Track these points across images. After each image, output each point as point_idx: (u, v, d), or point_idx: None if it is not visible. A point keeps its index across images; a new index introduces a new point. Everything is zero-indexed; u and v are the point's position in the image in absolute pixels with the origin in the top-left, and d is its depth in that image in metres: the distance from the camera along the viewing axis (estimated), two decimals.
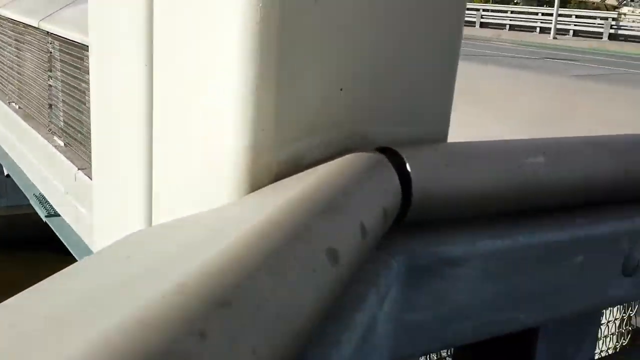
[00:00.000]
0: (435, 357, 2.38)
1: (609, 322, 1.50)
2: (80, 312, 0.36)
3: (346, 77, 0.76)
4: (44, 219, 6.43)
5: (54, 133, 6.21)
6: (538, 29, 34.67)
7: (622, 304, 1.48)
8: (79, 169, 5.27)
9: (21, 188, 7.54)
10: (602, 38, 32.32)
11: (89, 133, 1.27)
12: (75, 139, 5.62)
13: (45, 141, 6.16)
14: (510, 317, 0.82)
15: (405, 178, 0.73)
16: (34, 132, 6.58)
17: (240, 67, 0.68)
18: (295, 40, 0.71)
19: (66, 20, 5.96)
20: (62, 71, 5.89)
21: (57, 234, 6.17)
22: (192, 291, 0.38)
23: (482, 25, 37.35)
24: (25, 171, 6.97)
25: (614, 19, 33.35)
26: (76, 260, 0.85)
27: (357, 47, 0.76)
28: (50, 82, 6.21)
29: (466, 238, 0.77)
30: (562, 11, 34.12)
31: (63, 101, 5.94)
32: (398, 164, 0.74)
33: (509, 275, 0.80)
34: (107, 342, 0.31)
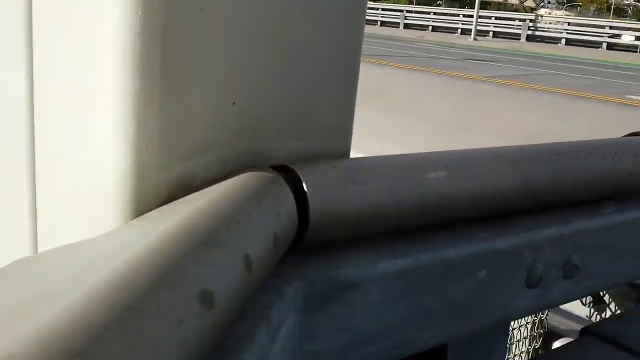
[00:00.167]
0: None
1: (521, 326, 1.51)
2: None
3: (239, 90, 0.72)
4: None
5: None
6: (459, 30, 35.61)
7: (527, 316, 1.50)
8: None
9: None
10: (520, 39, 33.48)
11: None
12: None
13: None
14: (415, 337, 0.80)
15: (301, 198, 0.69)
16: None
17: (118, 81, 0.63)
18: (180, 52, 0.66)
19: None
20: None
21: None
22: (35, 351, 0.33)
23: (406, 26, 38.05)
24: None
25: (531, 20, 34.63)
26: None
27: (251, 58, 0.72)
28: None
29: (367, 259, 0.74)
30: (483, 13, 35.16)
31: None
32: (294, 182, 0.70)
33: (412, 294, 0.78)
34: None
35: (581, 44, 31.85)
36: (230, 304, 0.48)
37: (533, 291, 0.94)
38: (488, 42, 31.89)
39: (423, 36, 33.65)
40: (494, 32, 34.86)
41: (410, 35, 34.07)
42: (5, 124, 0.80)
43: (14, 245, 0.81)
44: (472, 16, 33.23)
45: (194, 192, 0.68)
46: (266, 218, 0.60)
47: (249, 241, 0.54)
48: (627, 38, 31.49)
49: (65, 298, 0.39)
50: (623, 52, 30.06)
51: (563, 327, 1.57)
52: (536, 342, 1.57)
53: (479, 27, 33.08)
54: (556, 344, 1.59)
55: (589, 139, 1.39)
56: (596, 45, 31.63)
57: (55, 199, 0.76)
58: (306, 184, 0.70)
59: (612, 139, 1.15)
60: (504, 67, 20.98)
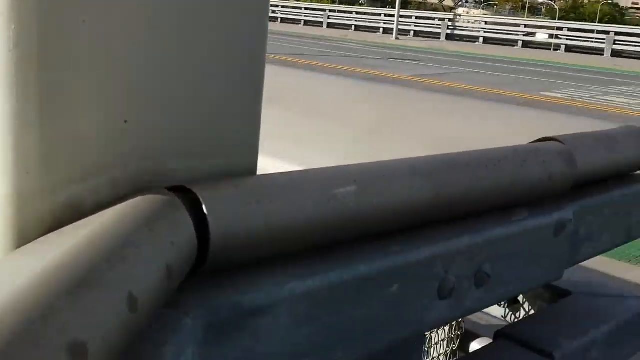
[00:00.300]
0: None
1: (438, 328, 1.52)
2: None
3: (131, 107, 0.67)
4: None
5: None
6: (381, 30, 36.15)
7: (440, 327, 1.51)
8: None
9: None
10: (440, 38, 34.31)
11: None
12: None
13: None
14: (326, 358, 0.78)
15: (201, 221, 0.65)
16: None
17: None
18: (62, 68, 0.61)
19: None
20: None
21: None
22: None
23: (329, 25, 38.32)
24: None
25: (450, 20, 35.54)
26: None
27: (143, 72, 0.67)
28: None
29: (274, 281, 0.71)
30: (404, 12, 35.83)
31: None
32: (193, 204, 0.66)
33: (322, 315, 0.75)
34: None
35: (498, 42, 32.94)
36: (110, 353, 0.43)
37: (445, 302, 0.93)
38: (410, 41, 32.53)
39: (346, 35, 33.97)
40: (415, 31, 35.58)
41: (334, 34, 34.34)
42: None
43: None
44: (393, 16, 33.78)
45: (83, 218, 0.63)
46: (157, 248, 0.56)
47: (134, 277, 0.50)
48: (541, 36, 32.80)
49: None
50: (537, 49, 31.29)
51: (480, 327, 1.59)
52: (454, 343, 1.58)
53: (400, 27, 33.68)
54: (473, 345, 1.61)
55: (505, 138, 1.42)
56: (512, 43, 32.79)
57: None
58: (206, 205, 0.66)
59: (522, 145, 1.16)
60: (427, 66, 21.44)
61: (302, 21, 39.56)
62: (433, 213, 0.93)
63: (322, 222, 0.77)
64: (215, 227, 0.65)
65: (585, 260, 1.32)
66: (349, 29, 37.20)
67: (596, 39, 30.39)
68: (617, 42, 29.71)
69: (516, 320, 1.59)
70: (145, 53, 0.67)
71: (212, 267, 0.67)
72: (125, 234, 0.54)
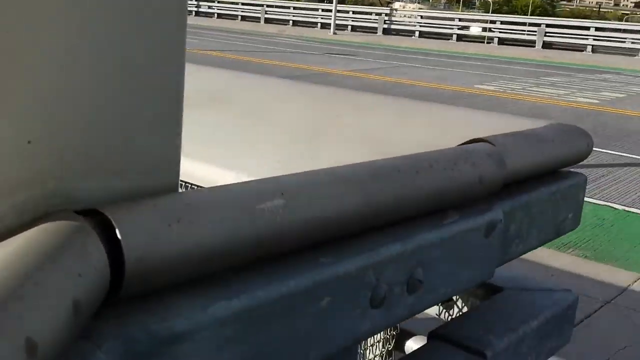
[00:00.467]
0: None
1: None
2: None
3: (35, 126, 0.63)
4: None
5: None
6: (319, 25, 36.19)
7: (375, 339, 1.52)
8: None
9: None
10: (377, 33, 34.59)
11: None
12: None
13: None
14: None
15: (114, 246, 0.62)
16: None
17: None
18: None
19: None
20: None
21: None
22: None
23: (267, 21, 38.13)
24: None
25: (387, 14, 35.85)
26: None
27: (47, 86, 0.63)
28: None
29: (196, 304, 0.68)
30: (341, 7, 35.95)
31: None
32: (105, 228, 0.62)
33: (250, 336, 0.73)
34: None
35: (434, 36, 33.45)
36: None
37: (378, 311, 0.92)
38: (347, 36, 32.68)
39: (284, 31, 33.87)
40: (352, 25, 35.76)
41: (272, 30, 34.18)
42: None
43: None
44: (331, 11, 33.85)
45: None
46: (62, 282, 0.52)
47: (33, 320, 0.46)
48: (475, 29, 33.47)
49: None
50: (472, 42, 31.94)
51: (414, 326, 1.59)
52: (389, 343, 1.58)
53: (337, 22, 33.78)
54: (408, 344, 1.62)
55: (438, 138, 1.42)
56: (447, 37, 33.35)
57: None
58: (119, 228, 0.62)
59: (452, 148, 1.16)
60: (364, 61, 21.58)
61: (239, 17, 39.20)
62: (364, 222, 0.92)
63: (247, 239, 0.74)
64: (130, 252, 0.62)
65: (515, 258, 1.34)
66: (286, 24, 37.07)
67: (528, 31, 31.22)
68: (547, 34, 30.60)
69: (450, 318, 1.61)
70: (48, 63, 0.62)
71: (128, 294, 0.64)
72: (24, 270, 0.50)
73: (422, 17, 35.04)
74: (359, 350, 1.44)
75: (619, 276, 5.06)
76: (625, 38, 29.33)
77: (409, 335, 1.63)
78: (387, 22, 35.03)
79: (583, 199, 1.55)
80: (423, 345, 1.26)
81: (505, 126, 1.41)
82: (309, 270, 0.80)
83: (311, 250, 0.84)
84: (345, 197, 0.88)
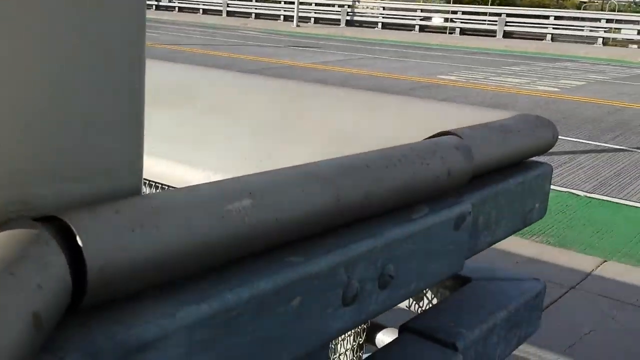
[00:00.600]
0: None
1: None
2: None
3: None
4: None
5: None
6: (282, 17, 36.04)
7: (345, 334, 1.51)
8: None
9: None
10: (340, 24, 34.60)
11: None
12: None
13: None
14: None
15: (76, 254, 0.59)
16: None
17: None
18: None
19: None
20: None
21: None
22: None
23: (229, 14, 37.82)
24: None
25: (349, 6, 35.85)
26: None
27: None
28: None
29: (164, 310, 0.66)
30: None
31: None
32: (66, 236, 0.60)
33: (221, 340, 0.71)
34: None
35: (396, 27, 33.61)
36: None
37: (350, 308, 0.91)
38: (310, 28, 32.63)
39: (247, 24, 33.64)
40: (315, 18, 35.71)
41: (234, 22, 33.92)
42: None
43: None
44: (293, 3, 33.72)
45: None
46: (20, 295, 0.49)
47: None
48: (437, 20, 33.72)
49: None
50: (434, 33, 32.18)
51: (385, 318, 1.59)
52: (360, 337, 1.58)
53: (300, 14, 33.69)
54: (379, 336, 1.62)
55: (404, 131, 1.41)
56: (410, 28, 33.54)
57: None
58: (81, 236, 0.60)
59: (420, 142, 1.15)
60: (328, 53, 21.57)
61: (201, 10, 38.81)
62: (334, 219, 0.90)
63: (215, 242, 0.72)
64: (92, 260, 0.59)
65: (484, 249, 1.34)
66: (249, 17, 36.83)
67: (489, 21, 31.58)
68: (508, 24, 30.99)
69: (420, 309, 1.61)
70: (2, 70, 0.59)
71: (92, 303, 0.61)
72: None
73: (384, 8, 35.15)
74: (330, 345, 1.43)
75: (582, 262, 5.16)
76: (583, 26, 29.89)
77: (380, 328, 1.63)
78: (349, 13, 35.06)
79: (549, 188, 1.57)
80: (395, 339, 1.26)
81: (471, 118, 1.41)
82: (279, 270, 0.79)
83: (281, 249, 0.83)
84: (315, 195, 0.86)
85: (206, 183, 0.79)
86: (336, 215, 0.90)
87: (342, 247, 0.89)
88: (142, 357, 0.62)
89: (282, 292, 0.78)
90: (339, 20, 34.82)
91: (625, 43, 29.59)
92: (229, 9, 37.85)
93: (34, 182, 0.64)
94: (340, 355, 1.55)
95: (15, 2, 0.58)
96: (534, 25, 30.61)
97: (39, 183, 0.64)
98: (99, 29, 0.66)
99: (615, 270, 5.01)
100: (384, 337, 1.62)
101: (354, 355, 1.58)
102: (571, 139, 9.66)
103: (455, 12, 33.02)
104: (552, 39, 29.78)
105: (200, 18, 35.90)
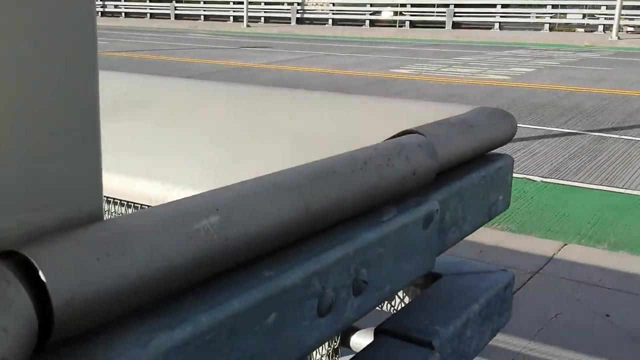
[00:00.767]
0: None
1: None
2: None
3: None
4: None
5: None
6: (232, 18, 35.80)
7: (322, 344, 1.49)
8: None
9: None
10: (290, 23, 34.55)
11: None
12: None
13: None
14: None
15: (39, 290, 0.56)
16: None
17: None
18: None
19: None
20: None
21: None
22: None
23: (177, 17, 37.39)
24: None
25: (299, 3, 35.81)
26: None
27: None
28: None
29: (135, 340, 0.63)
30: None
31: None
32: (27, 271, 0.56)
33: None
34: None
35: (347, 22, 33.73)
36: None
37: (326, 318, 0.90)
38: (261, 28, 32.49)
39: (196, 26, 33.31)
40: (265, 17, 35.58)
41: (183, 26, 33.56)
42: None
43: None
44: (242, 3, 33.53)
45: None
46: None
47: None
48: (387, 14, 33.96)
49: None
50: (384, 27, 32.41)
51: (359, 320, 1.58)
52: (334, 341, 1.56)
53: (250, 14, 33.52)
54: (353, 339, 1.60)
55: (368, 130, 1.40)
56: (360, 23, 33.70)
57: None
58: (43, 270, 0.56)
59: (384, 143, 1.14)
60: (280, 52, 21.51)
61: (148, 14, 38.27)
62: (304, 229, 0.89)
63: (185, 264, 0.70)
64: (58, 294, 0.56)
65: (452, 245, 1.34)
66: (198, 19, 36.47)
67: (437, 12, 31.94)
68: (456, 15, 31.41)
69: (392, 308, 1.60)
70: None
71: (60, 339, 0.58)
72: None
73: (334, 4, 35.24)
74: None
75: (544, 246, 5.25)
76: (529, 13, 30.49)
77: (354, 330, 1.61)
78: (299, 11, 35.04)
79: (511, 180, 1.58)
80: (371, 343, 1.24)
81: (432, 114, 1.41)
82: (252, 287, 0.77)
83: (253, 265, 0.80)
84: (283, 206, 0.84)
85: (170, 202, 0.76)
86: (306, 225, 0.89)
87: (315, 256, 0.87)
88: None
89: (257, 309, 0.76)
90: (289, 18, 34.77)
91: (572, 27, 30.30)
92: (177, 12, 37.41)
93: None
94: None
95: None
96: (482, 14, 31.10)
97: None
98: (47, 45, 0.62)
99: (577, 253, 5.11)
100: (358, 340, 1.61)
101: None
102: (524, 125, 9.84)
103: (404, 5, 33.29)
104: (500, 28, 30.31)
105: (148, 23, 35.40)
